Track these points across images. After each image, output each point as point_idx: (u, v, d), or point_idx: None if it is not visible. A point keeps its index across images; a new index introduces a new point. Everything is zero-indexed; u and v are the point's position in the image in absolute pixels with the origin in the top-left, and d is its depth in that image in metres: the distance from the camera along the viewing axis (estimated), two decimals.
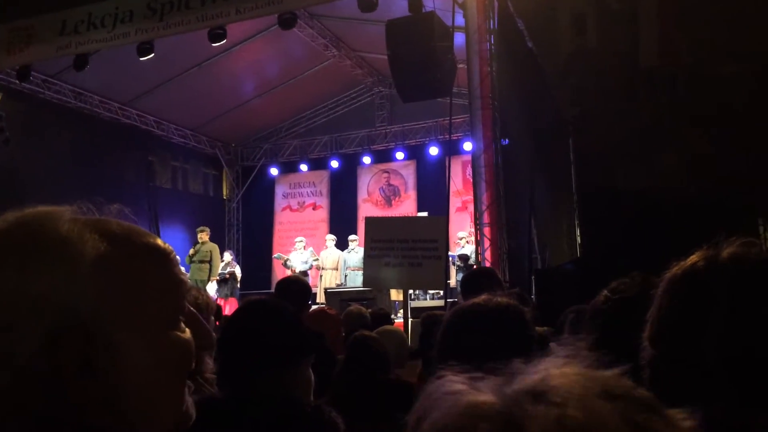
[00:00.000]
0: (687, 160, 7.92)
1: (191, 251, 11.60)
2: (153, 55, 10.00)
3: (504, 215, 8.17)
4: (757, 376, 0.87)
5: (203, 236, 11.57)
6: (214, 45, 10.01)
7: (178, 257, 0.77)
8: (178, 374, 0.72)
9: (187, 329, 0.74)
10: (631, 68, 8.87)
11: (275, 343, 1.55)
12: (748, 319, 0.90)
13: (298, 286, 3.57)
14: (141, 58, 10.03)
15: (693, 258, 1.00)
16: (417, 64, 8.21)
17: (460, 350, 1.37)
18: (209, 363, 1.99)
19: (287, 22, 9.66)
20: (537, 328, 2.16)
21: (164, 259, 0.73)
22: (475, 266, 9.26)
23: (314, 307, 4.26)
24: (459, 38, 8.82)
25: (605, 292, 1.78)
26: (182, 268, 0.80)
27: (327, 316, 3.43)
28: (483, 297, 1.44)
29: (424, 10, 8.43)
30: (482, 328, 1.36)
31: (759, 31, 7.97)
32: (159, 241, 0.74)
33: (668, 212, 7.15)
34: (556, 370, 0.48)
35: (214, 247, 11.60)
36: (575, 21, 8.96)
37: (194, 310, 0.77)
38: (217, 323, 4.78)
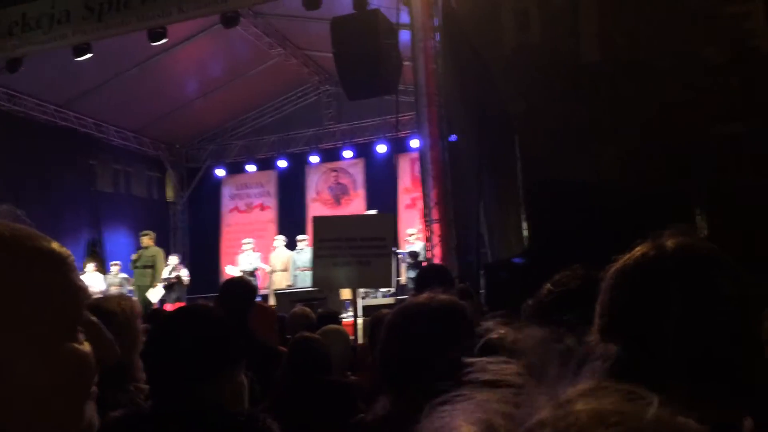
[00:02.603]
0: (627, 154, 8.11)
1: (134, 256, 11.31)
2: (90, 55, 9.70)
3: (452, 211, 8.22)
4: (713, 365, 0.88)
5: (147, 240, 11.28)
6: (154, 44, 9.77)
7: (74, 261, 0.71)
8: (75, 389, 0.66)
9: (85, 341, 0.68)
10: (574, 63, 9.03)
11: (202, 352, 1.49)
12: (702, 307, 0.90)
13: (242, 287, 3.49)
14: (77, 59, 9.73)
15: (640, 249, 0.99)
16: (362, 62, 8.19)
17: (401, 349, 1.34)
18: (141, 368, 1.91)
19: (230, 20, 9.51)
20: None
21: (59, 264, 0.67)
22: (424, 263, 9.29)
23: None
24: (404, 36, 8.83)
25: (548, 285, 1.79)
26: (80, 274, 0.74)
27: (263, 310, 3.38)
28: (425, 295, 1.42)
29: (368, 8, 8.41)
30: (422, 326, 1.34)
31: (694, 28, 8.22)
32: (54, 245, 0.68)
33: (610, 204, 7.32)
34: (582, 403, 0.41)
35: (159, 252, 11.32)
36: (518, 16, 9.07)
37: (95, 320, 0.72)
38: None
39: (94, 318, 0.72)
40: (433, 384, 1.30)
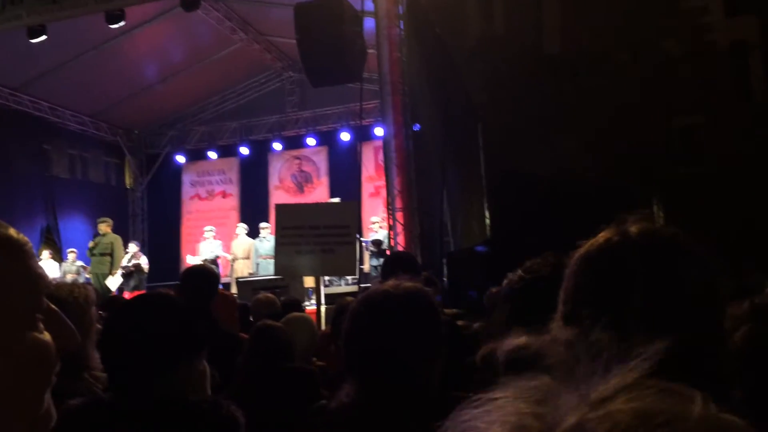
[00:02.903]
0: (587, 144, 8.23)
1: (91, 243, 11.06)
2: (45, 37, 9.42)
3: (416, 200, 8.24)
4: (677, 353, 0.88)
5: (104, 227, 11.03)
6: (112, 27, 9.52)
7: (32, 248, 0.69)
8: (36, 378, 0.64)
9: (45, 330, 0.66)
10: (537, 54, 9.11)
11: (161, 339, 1.45)
12: (666, 293, 0.90)
13: (204, 274, 3.44)
14: (32, 41, 9.43)
15: (603, 236, 0.99)
16: (326, 49, 8.11)
17: (365, 337, 1.34)
18: (98, 359, 1.87)
19: (190, 4, 9.33)
20: (446, 310, 2.17)
21: (16, 251, 0.65)
22: (388, 251, 9.31)
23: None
24: (369, 23, 8.78)
25: (519, 271, 1.80)
26: (39, 261, 0.72)
27: (223, 297, 3.33)
28: (390, 282, 1.41)
29: None
30: (387, 314, 1.33)
31: (654, 21, 8.36)
32: (12, 232, 0.66)
33: (571, 194, 7.43)
34: (622, 402, 0.38)
35: (116, 239, 11.09)
36: (482, 7, 9.10)
37: (54, 308, 0.69)
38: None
39: (53, 306, 0.69)
40: (397, 373, 1.30)
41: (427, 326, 1.36)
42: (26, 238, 0.68)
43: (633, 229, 0.97)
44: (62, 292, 1.98)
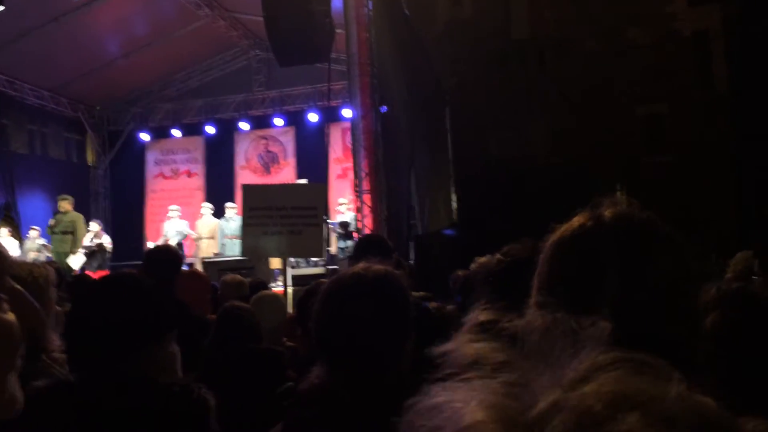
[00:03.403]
0: (553, 130, 8.33)
1: (51, 221, 10.80)
2: (3, 8, 9.10)
3: (383, 182, 8.25)
4: (650, 340, 0.88)
5: (65, 205, 10.78)
6: None
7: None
8: (1, 356, 0.63)
9: (9, 310, 0.64)
10: (504, 39, 9.14)
11: (130, 321, 1.43)
12: (640, 279, 0.90)
13: (168, 255, 3.40)
14: None
15: (577, 220, 0.97)
16: (294, 28, 8.02)
17: (336, 320, 1.34)
18: (55, 340, 1.84)
19: None
20: (414, 293, 2.19)
21: None
22: (355, 233, 9.31)
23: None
24: (337, 2, 8.70)
25: (497, 255, 1.82)
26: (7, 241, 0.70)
27: (197, 278, 3.30)
28: (361, 265, 1.41)
29: None
30: (357, 297, 1.34)
31: (619, 9, 8.46)
32: None
33: (536, 179, 7.52)
34: (598, 383, 0.37)
35: (78, 217, 10.85)
36: None
37: (19, 287, 0.68)
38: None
39: (17, 285, 0.68)
40: (368, 355, 1.31)
41: (397, 309, 1.37)
42: None
43: (607, 213, 0.95)
44: (21, 271, 1.94)
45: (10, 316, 0.65)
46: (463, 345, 0.47)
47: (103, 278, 1.70)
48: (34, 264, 2.17)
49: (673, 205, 6.75)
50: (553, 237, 0.99)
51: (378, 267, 1.42)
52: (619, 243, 0.92)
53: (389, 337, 1.34)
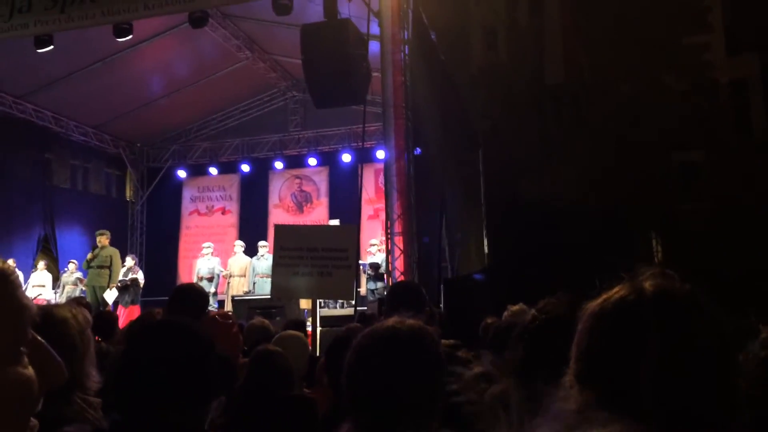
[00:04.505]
0: (587, 176, 8.26)
1: (89, 255, 11.01)
2: (52, 47, 9.47)
3: (415, 225, 8.25)
4: (692, 417, 0.87)
5: (103, 240, 11.01)
6: (119, 40, 9.59)
7: (18, 278, 0.67)
8: (16, 415, 0.62)
9: (29, 364, 0.64)
10: (538, 83, 9.18)
11: (193, 379, 1.41)
12: (682, 357, 0.89)
13: (195, 293, 3.41)
14: (39, 50, 9.49)
15: (618, 292, 0.97)
16: (331, 71, 8.17)
17: (368, 376, 1.33)
18: (94, 376, 1.84)
19: (198, 20, 9.40)
20: (443, 341, 2.17)
21: (2, 282, 0.63)
22: (385, 275, 9.28)
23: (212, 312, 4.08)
24: (374, 46, 8.85)
25: (533, 311, 1.79)
26: (34, 271, 0.70)
27: (220, 325, 3.28)
28: (395, 319, 1.41)
29: (339, 17, 8.40)
30: (393, 354, 1.33)
31: (655, 55, 8.44)
32: None
33: (569, 224, 7.44)
34: None
35: (115, 252, 11.06)
36: (486, 35, 9.18)
37: (42, 340, 0.67)
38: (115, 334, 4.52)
39: (40, 338, 0.67)
40: (401, 411, 1.29)
41: (430, 367, 1.36)
42: (12, 268, 0.66)
43: (648, 286, 0.95)
44: (63, 311, 1.97)
45: (29, 371, 0.64)
46: None
47: (162, 324, 1.67)
48: (73, 305, 2.21)
49: (709, 255, 6.60)
50: (593, 307, 0.99)
51: (412, 322, 1.41)
52: (660, 320, 0.92)
53: (422, 396, 1.33)
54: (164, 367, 1.40)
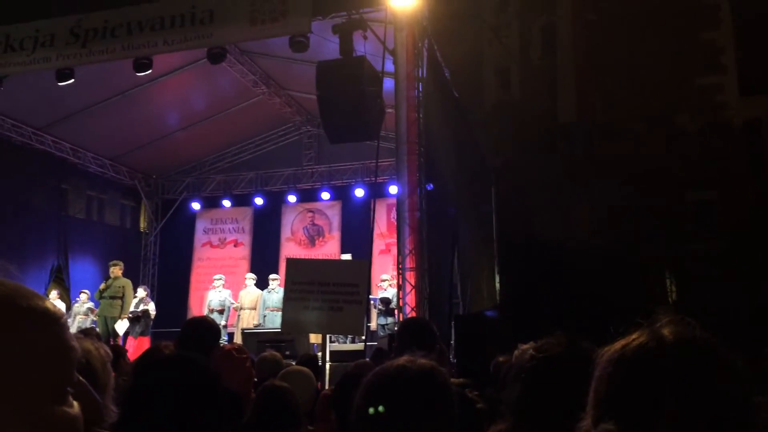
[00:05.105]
0: (598, 213, 8.26)
1: (102, 286, 11.07)
2: (73, 81, 9.67)
3: (426, 260, 8.23)
4: None
5: (116, 270, 11.06)
6: (139, 75, 9.78)
7: (67, 320, 0.70)
8: None
9: (75, 403, 0.66)
10: (551, 122, 9.25)
11: (198, 414, 1.42)
12: (701, 403, 0.90)
13: (206, 327, 3.40)
14: (60, 84, 9.69)
15: (636, 339, 0.98)
16: (346, 107, 8.27)
17: (380, 414, 1.32)
18: (112, 410, 1.85)
19: (216, 56, 9.58)
20: (453, 380, 2.15)
21: (51, 324, 0.66)
22: (396, 310, 9.24)
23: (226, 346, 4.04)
24: (388, 83, 8.97)
25: (530, 350, 1.78)
26: (72, 332, 0.73)
27: (234, 359, 3.27)
28: (405, 359, 1.40)
29: (354, 54, 8.54)
30: (404, 395, 1.32)
31: (668, 95, 8.49)
32: (48, 305, 0.67)
33: (582, 263, 7.40)
34: None
35: (127, 283, 11.10)
36: (499, 74, 9.29)
37: (83, 380, 0.70)
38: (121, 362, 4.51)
39: (82, 379, 0.70)
40: None
41: (442, 407, 1.35)
42: (62, 311, 0.69)
43: (667, 333, 0.96)
44: (86, 344, 1.99)
45: (75, 409, 0.66)
46: None
47: (170, 360, 1.67)
48: (99, 345, 2.23)
49: (723, 292, 6.54)
50: (610, 354, 0.99)
51: (423, 362, 1.40)
52: (680, 368, 0.92)
53: None
54: (170, 402, 1.40)
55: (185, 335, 3.35)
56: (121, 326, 10.67)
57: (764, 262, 7.27)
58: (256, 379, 3.77)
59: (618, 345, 0.99)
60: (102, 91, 11.66)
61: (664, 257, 7.15)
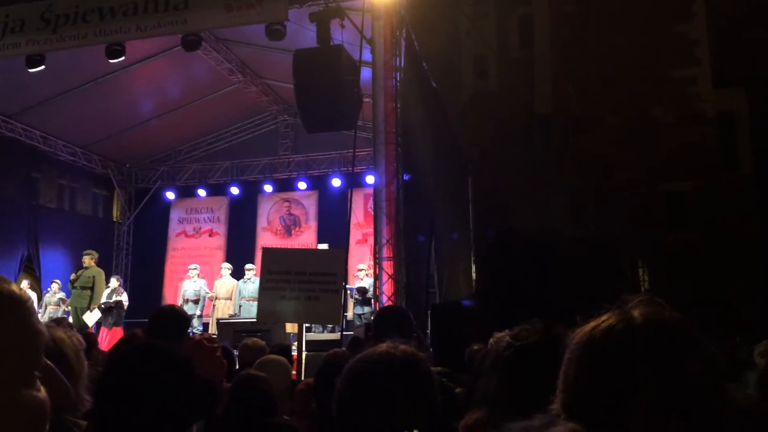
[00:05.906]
0: (574, 204, 8.33)
1: (73, 276, 10.89)
2: (43, 67, 9.47)
3: (403, 250, 8.23)
4: None
5: (88, 260, 10.89)
6: (111, 61, 9.60)
7: (33, 304, 0.67)
8: None
9: (42, 387, 0.64)
10: (528, 113, 9.29)
11: (171, 403, 1.40)
12: (672, 383, 0.88)
13: (175, 316, 3.35)
14: (30, 70, 9.48)
15: (606, 321, 0.96)
16: (323, 96, 8.21)
17: (361, 403, 1.31)
18: (86, 398, 1.82)
19: (191, 44, 9.44)
20: (432, 368, 2.14)
21: (16, 307, 0.64)
22: (372, 300, 9.25)
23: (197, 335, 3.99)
24: (366, 73, 8.92)
25: (507, 338, 1.77)
26: (39, 316, 0.71)
27: (205, 348, 3.23)
28: (387, 345, 1.39)
29: (332, 43, 8.48)
30: (384, 381, 1.31)
31: (643, 88, 8.57)
32: (13, 288, 0.65)
33: (555, 252, 7.46)
34: None
35: (99, 273, 10.93)
36: (477, 65, 9.30)
37: (51, 364, 0.68)
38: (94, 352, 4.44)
39: (50, 363, 0.68)
40: None
41: (426, 393, 1.34)
42: (28, 294, 0.67)
43: (637, 314, 0.94)
44: (58, 332, 1.95)
45: (42, 395, 0.65)
46: None
47: (139, 348, 1.65)
48: (71, 331, 2.18)
49: (695, 283, 6.65)
50: (580, 336, 0.97)
51: (405, 348, 1.39)
52: (651, 349, 0.91)
53: (417, 421, 1.30)
54: (142, 391, 1.39)
55: (154, 324, 3.29)
56: (90, 318, 10.50)
57: (736, 253, 7.41)
58: (237, 367, 3.74)
59: (587, 327, 0.97)
60: (73, 78, 11.44)
61: (638, 247, 7.24)
